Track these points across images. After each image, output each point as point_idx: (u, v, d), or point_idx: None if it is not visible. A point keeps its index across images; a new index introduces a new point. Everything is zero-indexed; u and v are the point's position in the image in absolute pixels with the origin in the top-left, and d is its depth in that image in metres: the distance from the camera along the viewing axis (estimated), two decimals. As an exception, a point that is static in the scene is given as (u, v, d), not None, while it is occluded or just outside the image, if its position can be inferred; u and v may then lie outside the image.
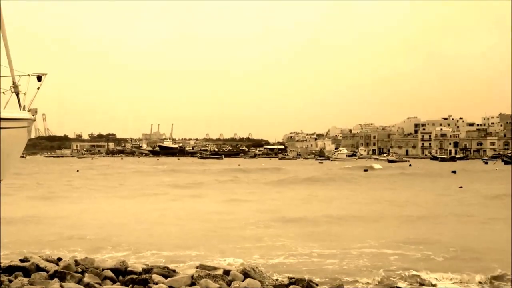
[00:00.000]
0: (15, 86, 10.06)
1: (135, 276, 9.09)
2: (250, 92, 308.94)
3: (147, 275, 9.14)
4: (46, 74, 10.53)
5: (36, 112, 10.47)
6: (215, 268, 9.52)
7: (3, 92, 10.00)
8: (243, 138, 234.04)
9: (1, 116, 8.83)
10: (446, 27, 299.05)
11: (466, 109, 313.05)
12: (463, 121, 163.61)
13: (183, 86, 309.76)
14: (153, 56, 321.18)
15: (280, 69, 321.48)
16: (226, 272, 9.23)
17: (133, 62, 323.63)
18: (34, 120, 10.53)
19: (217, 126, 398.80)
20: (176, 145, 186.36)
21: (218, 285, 8.39)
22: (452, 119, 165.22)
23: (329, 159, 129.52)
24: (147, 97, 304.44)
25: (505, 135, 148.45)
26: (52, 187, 38.16)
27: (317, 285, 9.23)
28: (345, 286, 9.04)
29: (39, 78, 10.42)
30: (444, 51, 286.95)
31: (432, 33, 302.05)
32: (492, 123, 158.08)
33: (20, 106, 10.13)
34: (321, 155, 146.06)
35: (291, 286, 8.22)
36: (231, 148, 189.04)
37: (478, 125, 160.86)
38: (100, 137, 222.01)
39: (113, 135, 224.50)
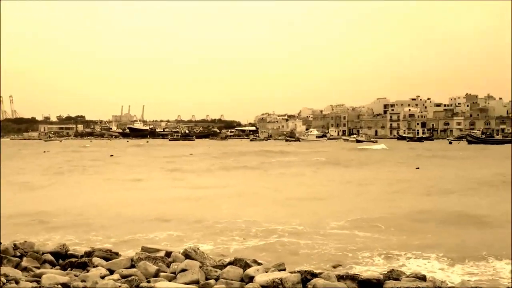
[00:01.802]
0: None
1: (74, 260, 9.02)
2: (222, 75, 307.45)
3: (87, 258, 9.09)
4: None
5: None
6: (157, 250, 9.51)
7: None
8: (215, 119, 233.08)
9: None
10: (415, 10, 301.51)
11: (434, 90, 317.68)
12: (430, 102, 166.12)
13: (155, 69, 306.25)
14: (124, 41, 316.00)
15: (252, 52, 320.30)
16: (168, 254, 9.24)
17: (103, 47, 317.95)
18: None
19: (189, 108, 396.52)
20: (147, 127, 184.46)
21: (157, 267, 8.39)
22: (420, 99, 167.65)
23: (299, 140, 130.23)
24: (117, 79, 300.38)
25: (471, 115, 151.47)
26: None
27: (260, 263, 9.33)
28: (285, 267, 9.13)
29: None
30: (413, 33, 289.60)
31: (403, 15, 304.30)
32: (459, 104, 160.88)
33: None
34: (291, 136, 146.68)
35: (229, 266, 8.28)
36: (202, 129, 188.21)
37: (445, 105, 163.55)
38: (68, 119, 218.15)
39: (82, 117, 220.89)
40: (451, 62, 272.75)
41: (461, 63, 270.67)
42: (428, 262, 10.59)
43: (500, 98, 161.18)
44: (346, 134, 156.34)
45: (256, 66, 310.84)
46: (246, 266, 8.41)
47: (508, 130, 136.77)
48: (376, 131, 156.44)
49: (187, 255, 9.02)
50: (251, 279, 7.84)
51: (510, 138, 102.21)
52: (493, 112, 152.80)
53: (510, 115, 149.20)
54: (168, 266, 8.67)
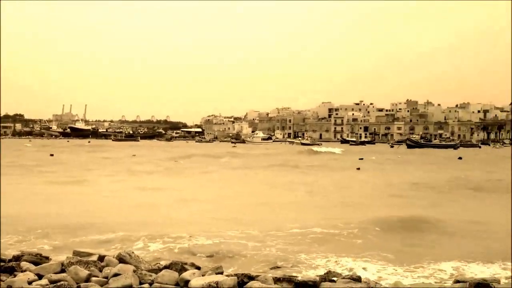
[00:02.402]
0: None
1: (1, 264, 8.56)
2: (169, 75, 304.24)
3: (15, 262, 8.65)
4: None
5: None
6: (90, 254, 9.18)
7: None
8: (160, 120, 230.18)
9: None
10: (361, 17, 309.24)
11: (377, 96, 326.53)
12: (373, 107, 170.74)
13: (98, 68, 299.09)
14: (66, 39, 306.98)
15: (199, 53, 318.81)
16: (101, 258, 8.92)
17: (43, 44, 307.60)
18: None
19: (134, 109, 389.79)
20: (89, 127, 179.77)
21: (89, 271, 8.08)
22: (363, 104, 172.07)
23: (244, 142, 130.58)
24: (59, 78, 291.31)
25: (411, 120, 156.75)
26: None
27: (199, 268, 9.17)
28: (223, 270, 9.01)
29: None
30: (358, 40, 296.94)
31: (350, 22, 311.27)
32: (400, 109, 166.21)
33: None
34: (237, 138, 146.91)
35: (164, 270, 8.08)
36: (147, 130, 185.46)
37: (386, 110, 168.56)
38: (6, 117, 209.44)
39: (21, 115, 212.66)
40: (393, 68, 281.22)
41: (404, 69, 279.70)
42: (367, 265, 10.71)
43: (439, 104, 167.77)
44: (292, 136, 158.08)
45: (203, 69, 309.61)
46: (182, 269, 8.24)
47: (446, 135, 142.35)
48: (320, 134, 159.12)
49: (121, 259, 8.74)
50: (186, 283, 7.68)
51: (447, 143, 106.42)
52: (432, 117, 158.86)
53: (447, 120, 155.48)
54: (101, 271, 8.36)
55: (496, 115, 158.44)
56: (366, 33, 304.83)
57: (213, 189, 25.97)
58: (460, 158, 56.50)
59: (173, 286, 7.71)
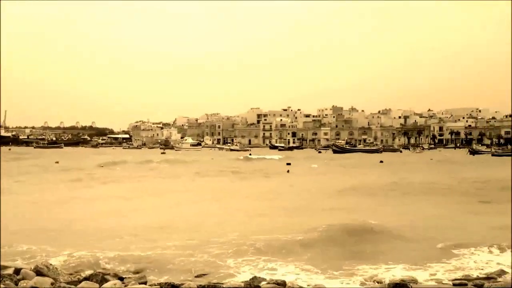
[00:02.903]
0: None
1: None
2: (95, 80, 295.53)
3: None
4: None
5: None
6: (5, 267, 8.73)
7: None
8: (85, 126, 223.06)
9: None
10: (285, 22, 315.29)
11: (304, 102, 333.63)
12: (300, 113, 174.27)
13: (18, 71, 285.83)
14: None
15: (126, 58, 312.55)
16: (17, 271, 8.50)
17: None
18: None
19: (57, 115, 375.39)
20: (9, 134, 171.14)
21: (4, 286, 7.68)
22: (291, 110, 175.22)
23: (173, 148, 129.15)
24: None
25: (336, 126, 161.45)
26: None
27: (122, 278, 8.94)
28: (149, 278, 8.85)
29: None
30: (283, 47, 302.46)
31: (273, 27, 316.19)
32: (326, 115, 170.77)
33: None
34: (166, 144, 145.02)
35: (84, 282, 7.82)
36: (71, 137, 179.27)
37: (313, 116, 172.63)
38: None
39: None
40: (320, 74, 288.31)
41: (329, 76, 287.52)
42: (294, 269, 10.78)
43: (362, 110, 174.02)
44: (221, 142, 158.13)
45: (131, 74, 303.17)
46: (103, 280, 8.01)
47: (369, 140, 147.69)
48: (249, 140, 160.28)
49: (38, 272, 8.37)
50: (107, 294, 7.48)
51: (371, 148, 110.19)
52: (356, 123, 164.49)
53: (370, 126, 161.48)
54: (17, 284, 7.97)
55: (415, 120, 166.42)
56: (295, 38, 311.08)
57: (148, 197, 25.40)
58: (381, 161, 58.80)
59: (93, 298, 7.50)
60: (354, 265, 11.00)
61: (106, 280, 8.05)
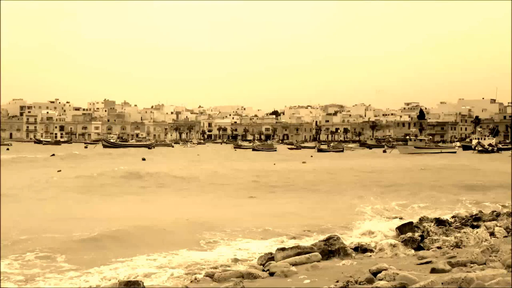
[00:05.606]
0: None
1: None
2: None
3: None
4: None
5: None
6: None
7: None
8: None
9: None
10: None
11: (74, 94, 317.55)
12: (70, 105, 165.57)
13: None
14: None
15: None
16: None
17: None
18: None
19: None
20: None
21: None
22: (59, 102, 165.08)
23: None
24: None
25: (108, 120, 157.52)
26: None
27: None
28: None
29: None
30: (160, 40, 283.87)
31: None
32: (98, 108, 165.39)
33: None
34: None
35: None
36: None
37: (84, 109, 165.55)
38: None
39: None
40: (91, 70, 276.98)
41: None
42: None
43: (135, 105, 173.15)
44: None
45: None
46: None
47: (142, 134, 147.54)
48: (10, 134, 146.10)
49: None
50: None
51: (142, 143, 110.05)
52: (129, 117, 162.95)
53: (143, 121, 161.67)
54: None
55: (187, 116, 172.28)
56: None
57: None
58: (143, 159, 54.97)
59: None
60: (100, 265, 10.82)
61: None
